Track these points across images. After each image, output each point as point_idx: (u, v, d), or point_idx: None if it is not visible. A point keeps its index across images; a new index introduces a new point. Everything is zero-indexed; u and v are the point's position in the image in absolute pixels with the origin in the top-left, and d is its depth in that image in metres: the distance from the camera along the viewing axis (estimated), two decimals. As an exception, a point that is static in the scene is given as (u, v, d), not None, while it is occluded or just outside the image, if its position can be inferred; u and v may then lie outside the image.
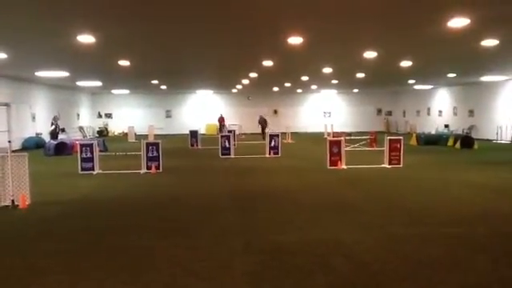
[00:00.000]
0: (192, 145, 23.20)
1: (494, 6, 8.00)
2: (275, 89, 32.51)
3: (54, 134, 22.75)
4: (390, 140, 14.31)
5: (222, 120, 35.22)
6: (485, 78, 23.51)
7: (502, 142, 24.65)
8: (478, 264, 5.15)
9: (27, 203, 8.54)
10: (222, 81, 26.23)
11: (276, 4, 7.93)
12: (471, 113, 28.49)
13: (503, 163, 14.93)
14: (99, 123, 36.60)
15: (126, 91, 33.80)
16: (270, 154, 17.96)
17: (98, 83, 25.13)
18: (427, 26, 9.76)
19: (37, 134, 23.64)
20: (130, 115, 36.81)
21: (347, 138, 16.79)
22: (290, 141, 26.44)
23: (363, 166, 13.90)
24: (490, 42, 11.76)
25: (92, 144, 13.65)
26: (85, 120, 34.00)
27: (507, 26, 9.88)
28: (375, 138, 21.41)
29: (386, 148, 14.26)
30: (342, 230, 6.63)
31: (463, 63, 17.38)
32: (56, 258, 5.49)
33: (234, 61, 16.37)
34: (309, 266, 5.13)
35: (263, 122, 31.39)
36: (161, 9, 8.22)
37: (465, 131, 25.61)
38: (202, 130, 31.66)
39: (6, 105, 20.95)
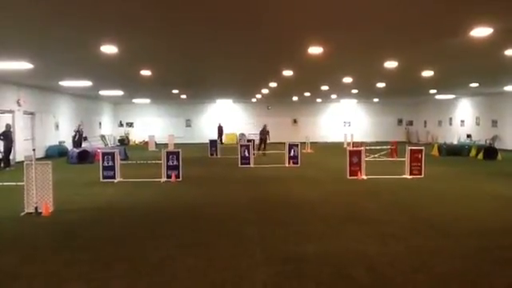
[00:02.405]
0: (212, 154, 23.31)
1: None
2: (295, 98, 32.49)
3: (76, 143, 23.12)
4: (411, 150, 14.15)
5: (220, 129, 35.20)
6: (508, 88, 23.10)
7: (527, 152, 24.11)
8: (505, 278, 5.04)
9: (50, 211, 8.68)
10: (242, 90, 26.34)
11: (297, 16, 7.96)
12: (494, 123, 27.99)
13: (528, 175, 14.62)
14: (120, 132, 37.06)
15: (147, 100, 34.20)
16: (289, 163, 17.93)
17: (120, 92, 25.48)
18: (449, 35, 9.67)
19: (60, 143, 24.04)
20: (151, 124, 37.16)
21: (366, 147, 16.65)
22: (309, 151, 26.34)
23: (383, 176, 13.76)
24: (513, 52, 11.60)
25: (113, 152, 13.82)
26: (107, 129, 34.48)
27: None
28: (396, 148, 21.19)
29: (406, 158, 14.11)
30: (363, 242, 6.57)
31: (486, 73, 17.13)
32: (77, 267, 5.55)
33: (255, 70, 16.44)
34: (330, 277, 5.09)
35: (265, 134, 25.30)
36: (183, 20, 8.34)
37: (488, 142, 25.16)
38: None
39: (31, 114, 21.40)
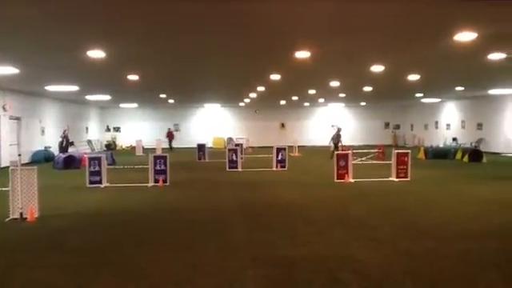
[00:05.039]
0: (199, 158, 23.27)
1: (501, 20, 8.01)
2: (282, 102, 32.58)
3: (62, 148, 22.91)
4: (397, 153, 14.27)
5: (170, 135, 34.79)
6: (493, 92, 23.42)
7: (511, 155, 24.44)
8: (490, 281, 5.09)
9: (35, 216, 8.59)
10: (230, 94, 26.35)
11: (284, 21, 8.01)
12: (480, 126, 28.34)
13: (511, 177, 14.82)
14: (107, 137, 36.82)
15: (135, 105, 34.05)
16: (276, 167, 17.96)
17: (107, 97, 25.33)
18: (434, 40, 9.79)
19: (45, 148, 23.80)
20: (138, 129, 36.98)
21: (354, 151, 16.75)
22: (296, 154, 26.42)
23: (371, 179, 13.85)
24: (497, 56, 11.75)
25: (100, 157, 13.73)
26: (93, 133, 34.22)
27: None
28: (383, 152, 21.34)
29: (393, 161, 14.22)
30: (351, 245, 6.60)
31: (471, 77, 17.35)
32: (63, 272, 5.49)
33: (242, 75, 16.47)
34: (318, 280, 5.10)
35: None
36: (172, 26, 8.34)
37: (473, 144, 25.46)
38: (209, 144, 31.74)
39: (17, 119, 21.17)
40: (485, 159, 20.86)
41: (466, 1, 6.67)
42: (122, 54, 11.27)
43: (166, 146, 32.56)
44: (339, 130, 24.07)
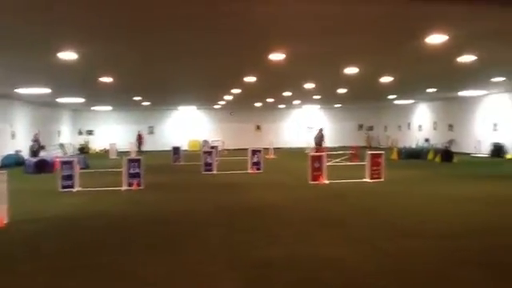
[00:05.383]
0: (175, 161, 23.11)
1: (471, 23, 8.20)
2: (258, 104, 32.64)
3: (33, 152, 22.41)
4: (371, 154, 14.44)
5: (140, 137, 34.67)
6: (463, 93, 23.98)
7: (481, 155, 25.06)
8: (467, 277, 5.17)
9: (5, 222, 8.36)
10: (206, 97, 26.26)
11: (259, 23, 8.02)
12: (451, 127, 28.97)
13: (482, 176, 15.16)
14: (80, 140, 36.18)
15: (109, 108, 33.61)
16: (252, 169, 17.96)
17: (80, 100, 24.92)
18: (407, 42, 9.96)
19: (16, 152, 23.24)
20: (112, 132, 36.48)
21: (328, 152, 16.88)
22: (272, 156, 26.48)
23: (345, 180, 13.97)
24: (467, 58, 12.03)
25: (72, 161, 13.49)
26: (66, 137, 33.60)
27: (483, 43, 10.13)
28: (356, 153, 21.57)
29: (367, 162, 14.38)
30: (329, 245, 6.63)
31: (442, 78, 17.71)
32: (36, 277, 5.36)
33: (217, 77, 16.42)
34: (297, 281, 5.11)
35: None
36: (145, 27, 8.25)
37: (444, 145, 25.99)
38: (184, 146, 31.53)
39: (-15, 122, 20.64)
40: (456, 159, 21.32)
41: (437, 4, 6.79)
42: (95, 55, 11.10)
43: (142, 149, 32.26)
44: (321, 130, 24.80)
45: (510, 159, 22.53)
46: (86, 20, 7.73)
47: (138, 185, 13.30)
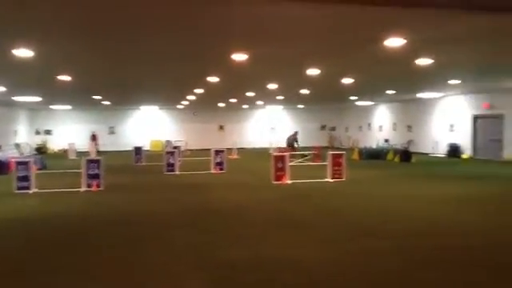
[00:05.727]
0: (136, 161, 22.76)
1: (428, 27, 8.42)
2: (221, 104, 32.52)
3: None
4: (332, 155, 14.66)
5: (94, 137, 33.77)
6: (421, 95, 24.66)
7: (438, 155, 25.87)
8: (428, 276, 5.28)
9: (-45, 226, 8.03)
10: (168, 97, 25.95)
11: (219, 23, 7.98)
12: (409, 128, 29.76)
13: (439, 176, 15.63)
14: (38, 140, 35.06)
15: (68, 107, 32.71)
16: (215, 169, 17.90)
17: (38, 98, 24.15)
18: (366, 45, 10.13)
19: (-32, 152, 22.34)
20: (71, 132, 35.56)
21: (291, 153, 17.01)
22: (235, 156, 26.48)
23: (307, 180, 14.11)
24: (424, 61, 12.36)
25: (28, 162, 13.07)
26: (22, 137, 32.50)
27: (440, 47, 10.43)
28: (319, 153, 21.85)
29: (329, 162, 14.59)
30: (292, 246, 6.65)
31: (401, 81, 18.14)
32: (-14, 284, 5.17)
33: (180, 77, 16.24)
34: (260, 282, 5.11)
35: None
36: (104, 25, 8.07)
37: (403, 145, 26.67)
38: (146, 147, 31.12)
39: None
40: (414, 159, 21.93)
41: (395, 8, 6.94)
42: (53, 54, 10.76)
43: (102, 149, 31.56)
44: (296, 133, 25.62)
45: (465, 159, 23.36)
46: (41, 17, 7.49)
47: (98, 186, 13.02)
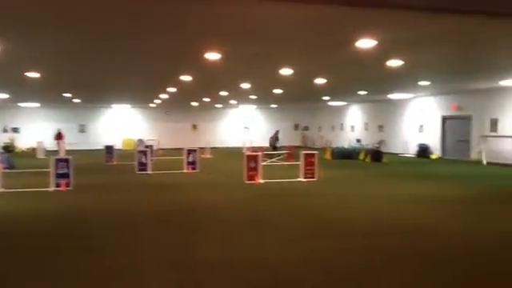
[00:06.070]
0: (108, 160, 22.42)
1: (398, 29, 8.56)
2: (194, 104, 32.34)
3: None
4: (305, 154, 14.75)
5: (59, 136, 31.41)
6: (392, 96, 25.07)
7: (408, 155, 26.35)
8: (398, 277, 5.35)
9: None
10: (140, 95, 25.64)
11: (193, 21, 7.93)
12: (381, 128, 30.22)
13: (409, 176, 15.92)
14: (5, 138, 34.12)
15: (37, 104, 31.94)
16: (187, 169, 17.79)
17: (4, 96, 23.53)
18: (338, 46, 10.22)
19: None
20: (40, 130, 34.72)
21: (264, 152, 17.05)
22: (208, 156, 26.38)
23: (280, 180, 14.17)
24: (395, 63, 12.56)
25: (-5, 161, 12.72)
26: (-12, 135, 31.59)
27: (410, 48, 10.62)
28: (292, 153, 21.96)
29: (301, 162, 14.68)
30: (263, 246, 6.66)
31: (372, 82, 18.38)
32: None
33: (151, 75, 16.07)
34: (230, 282, 5.10)
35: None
36: (74, 21, 7.90)
37: (375, 145, 27.07)
38: (118, 145, 30.67)
39: None
40: (385, 159, 22.27)
41: (366, 9, 7.03)
42: (20, 50, 10.50)
43: (72, 148, 30.91)
44: (277, 132, 26.20)
45: (434, 159, 23.87)
46: (9, 12, 7.29)
47: (67, 185, 12.78)
